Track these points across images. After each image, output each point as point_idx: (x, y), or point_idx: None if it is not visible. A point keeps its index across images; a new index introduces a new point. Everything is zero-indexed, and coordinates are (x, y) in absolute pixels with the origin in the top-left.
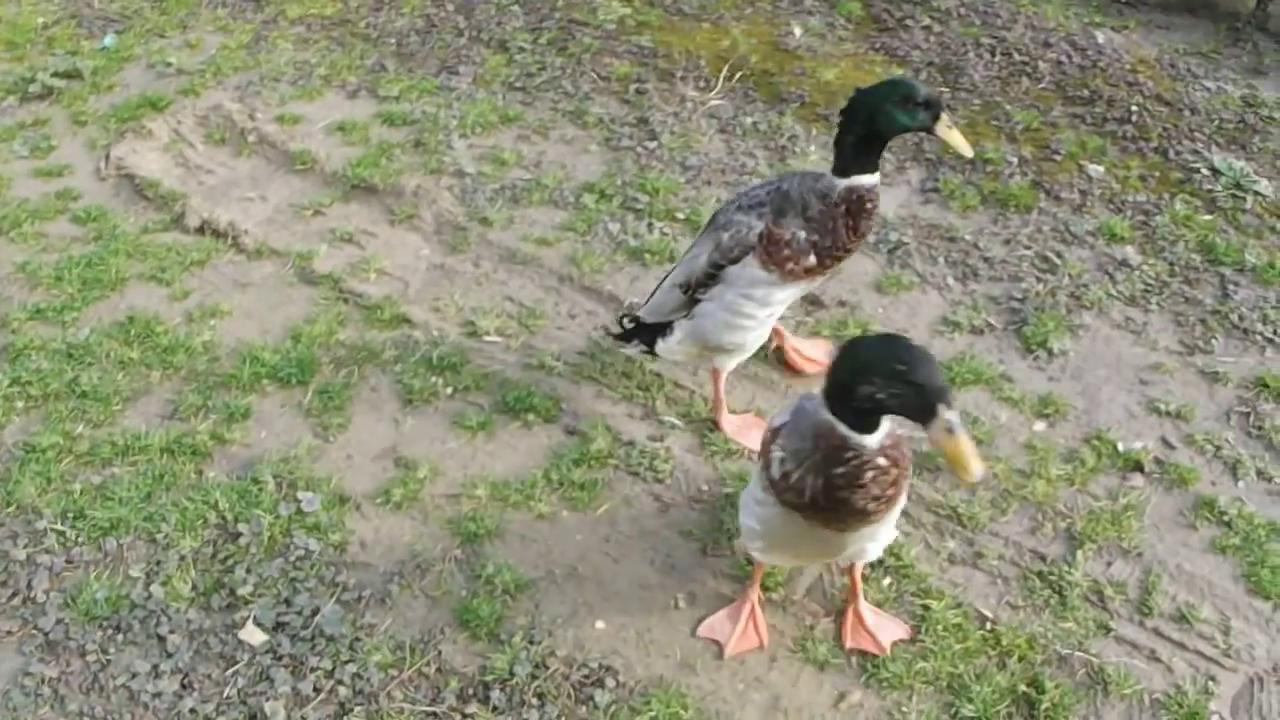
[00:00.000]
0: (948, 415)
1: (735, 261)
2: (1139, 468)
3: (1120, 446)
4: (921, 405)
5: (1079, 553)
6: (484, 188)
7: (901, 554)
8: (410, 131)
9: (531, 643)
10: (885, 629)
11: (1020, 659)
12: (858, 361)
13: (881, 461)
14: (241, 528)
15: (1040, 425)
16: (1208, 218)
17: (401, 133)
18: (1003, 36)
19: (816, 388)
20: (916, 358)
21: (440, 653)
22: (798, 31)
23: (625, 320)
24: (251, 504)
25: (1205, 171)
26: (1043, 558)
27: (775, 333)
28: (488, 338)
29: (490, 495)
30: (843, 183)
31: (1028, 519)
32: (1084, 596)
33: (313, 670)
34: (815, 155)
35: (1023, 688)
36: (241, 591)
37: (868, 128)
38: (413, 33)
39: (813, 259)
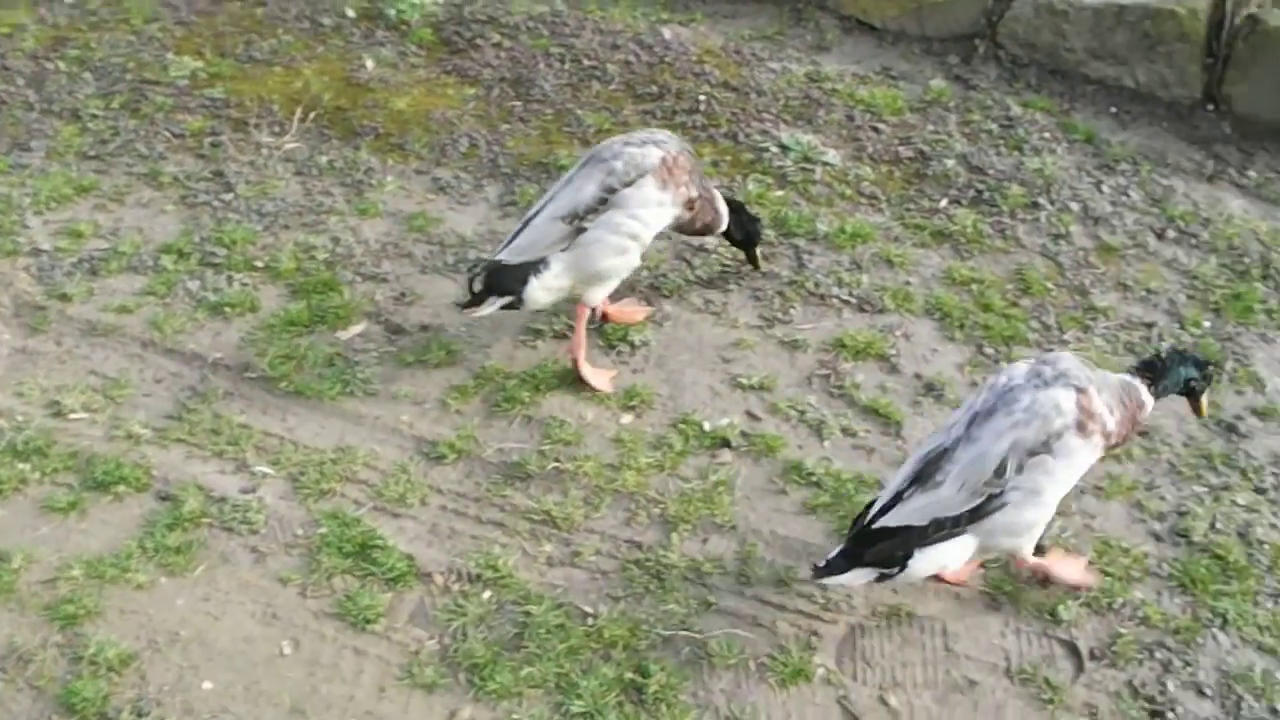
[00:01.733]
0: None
1: (629, 184)
2: (726, 444)
3: (707, 426)
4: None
5: (674, 535)
6: (61, 263)
7: (498, 565)
8: None
9: (140, 715)
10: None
11: (625, 648)
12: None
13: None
14: None
15: (627, 418)
16: (780, 193)
17: None
18: (571, 44)
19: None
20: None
21: None
22: (370, 64)
23: (475, 281)
24: None
25: (775, 149)
26: (639, 546)
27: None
28: (73, 415)
29: (86, 574)
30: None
31: (622, 511)
32: (683, 577)
33: None
34: (392, 185)
35: (629, 675)
36: None
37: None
38: None
39: (696, 193)
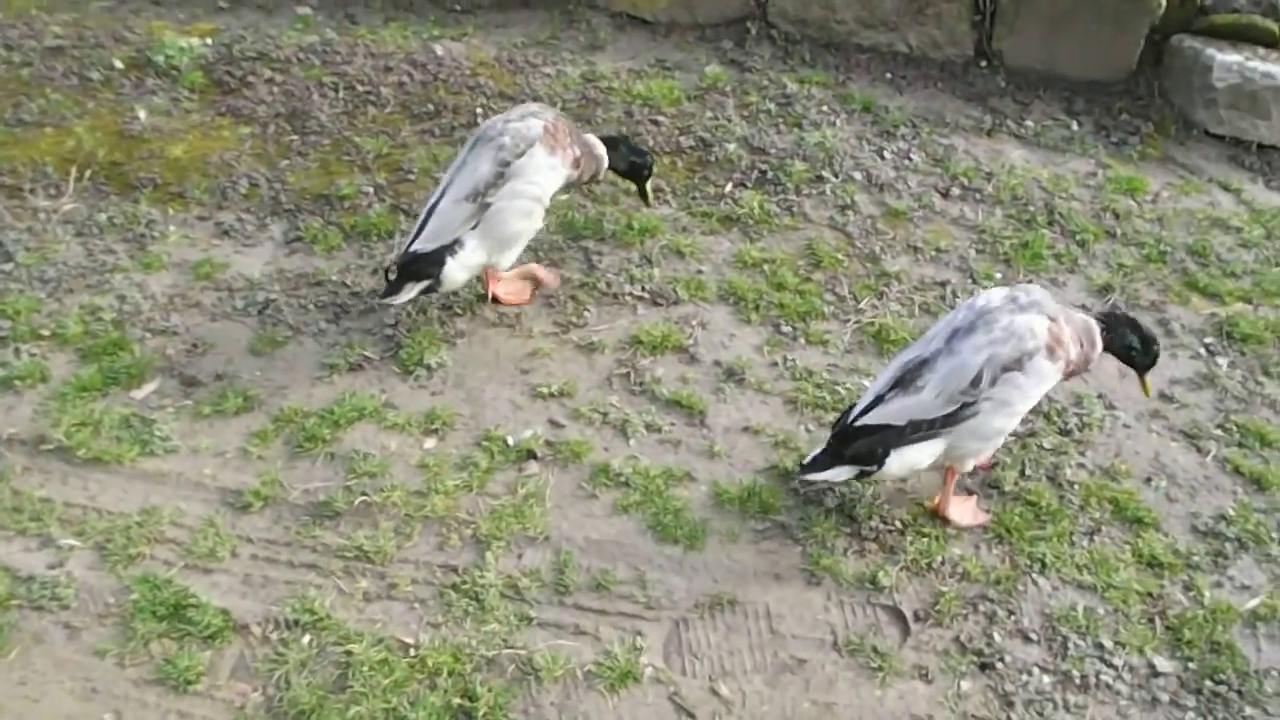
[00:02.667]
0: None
1: (521, 155)
2: (532, 455)
3: (511, 440)
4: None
5: (488, 554)
6: None
7: (315, 608)
8: None
9: None
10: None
11: (450, 674)
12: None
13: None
14: None
15: (430, 442)
16: (564, 196)
17: None
18: (344, 71)
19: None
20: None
21: None
22: (142, 115)
23: (390, 271)
24: None
25: None
26: (455, 569)
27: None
28: None
29: None
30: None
31: (434, 536)
32: (501, 595)
33: None
34: (175, 235)
35: (457, 701)
36: None
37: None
38: None
39: (578, 151)
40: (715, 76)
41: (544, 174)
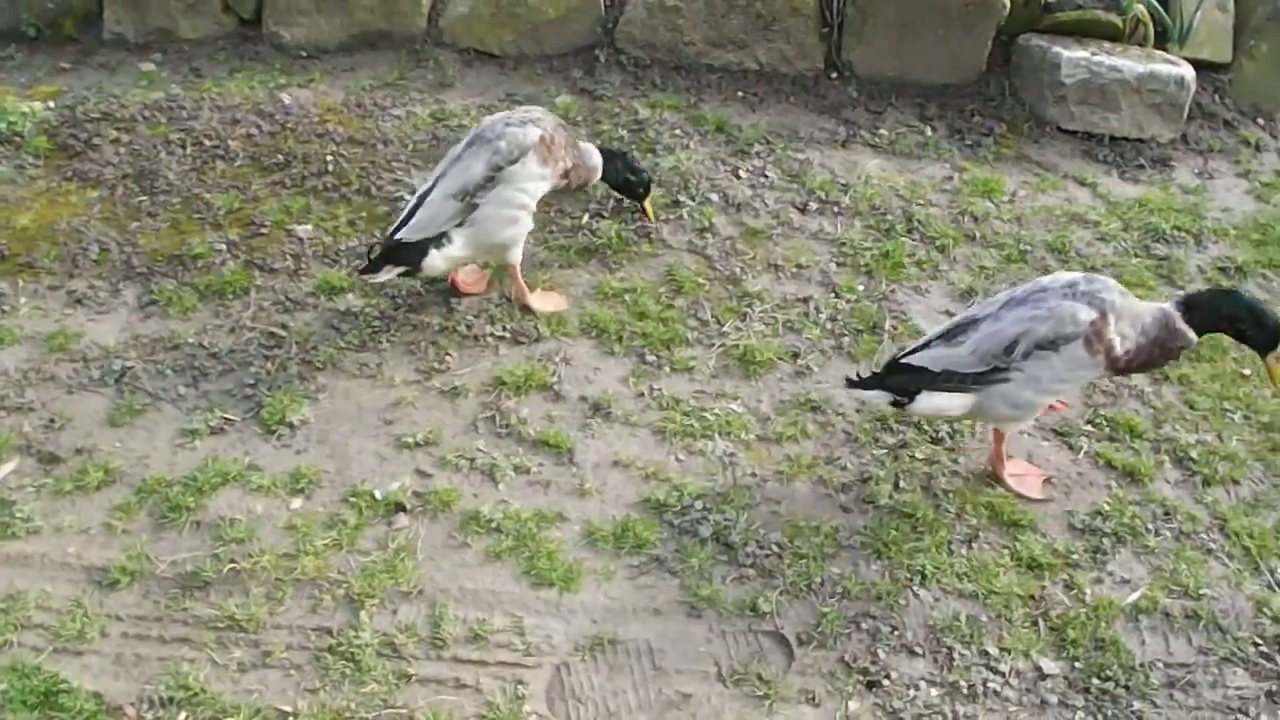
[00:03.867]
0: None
1: (514, 162)
2: (401, 508)
3: (378, 494)
4: (1267, 341)
5: (362, 613)
6: None
7: (189, 683)
8: None
9: None
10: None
11: None
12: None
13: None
14: None
15: (297, 502)
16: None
17: None
18: (191, 127)
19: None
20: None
21: None
22: None
23: (372, 251)
24: None
25: (409, 197)
26: (329, 631)
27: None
28: None
29: None
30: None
31: (306, 599)
32: (378, 654)
33: None
34: (26, 308)
35: None
36: None
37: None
38: None
39: (570, 163)
40: (566, 107)
41: (534, 182)
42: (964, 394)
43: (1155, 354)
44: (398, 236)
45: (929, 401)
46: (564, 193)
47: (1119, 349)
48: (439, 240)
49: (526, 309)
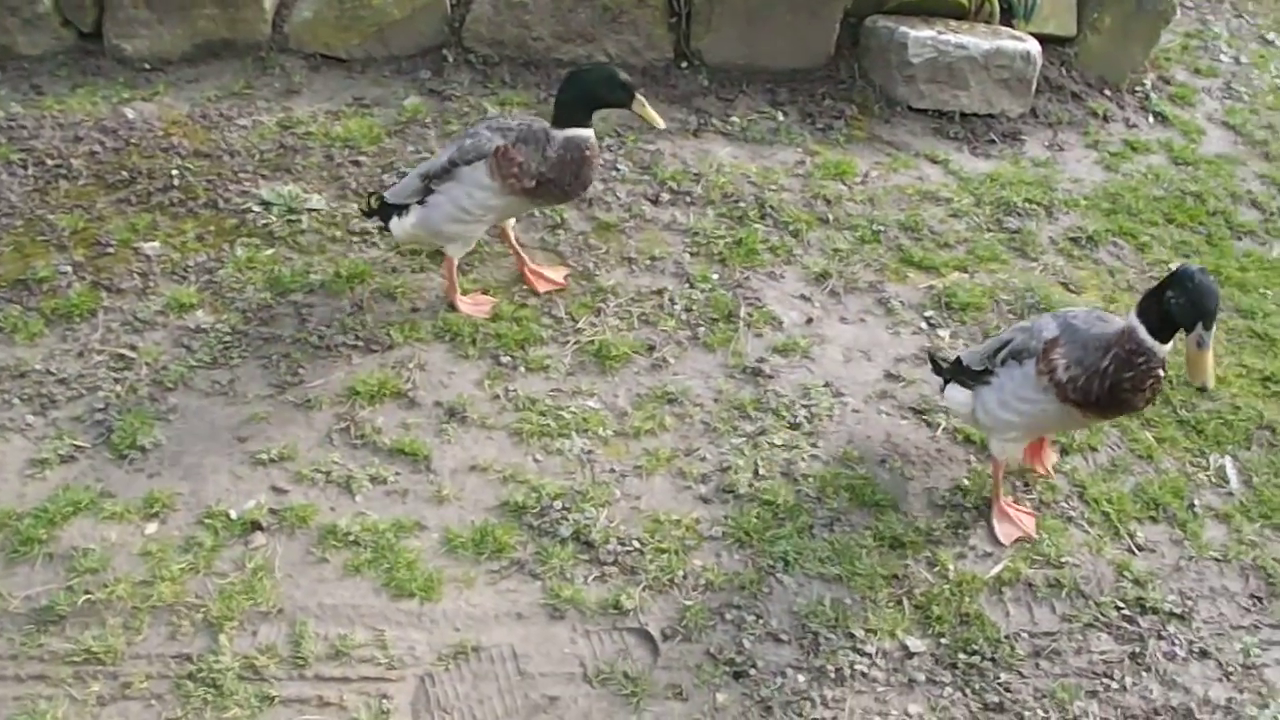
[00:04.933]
0: (1203, 333)
1: (469, 164)
2: (257, 526)
3: (234, 514)
4: (1192, 320)
5: (222, 637)
6: None
7: None
8: None
9: None
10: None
11: None
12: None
13: (1159, 372)
14: None
15: (152, 527)
16: (269, 252)
17: None
18: (32, 146)
19: (1076, 309)
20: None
21: None
22: None
23: (371, 199)
24: None
25: (257, 208)
26: (189, 658)
27: (517, 260)
28: None
29: None
30: (561, 133)
31: (164, 626)
32: (239, 677)
33: None
34: None
35: None
36: None
37: (578, 98)
38: None
39: (533, 183)
40: (415, 109)
41: (480, 191)
42: (968, 390)
43: (1120, 379)
44: (384, 193)
45: (950, 393)
46: (544, 202)
47: (1061, 373)
48: (401, 210)
49: (453, 307)
